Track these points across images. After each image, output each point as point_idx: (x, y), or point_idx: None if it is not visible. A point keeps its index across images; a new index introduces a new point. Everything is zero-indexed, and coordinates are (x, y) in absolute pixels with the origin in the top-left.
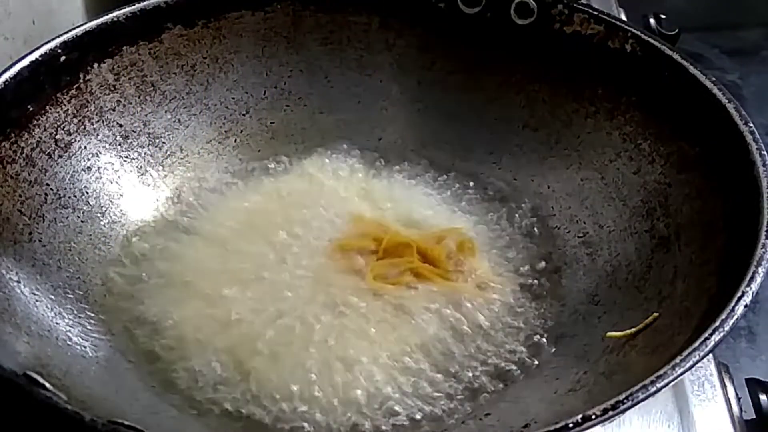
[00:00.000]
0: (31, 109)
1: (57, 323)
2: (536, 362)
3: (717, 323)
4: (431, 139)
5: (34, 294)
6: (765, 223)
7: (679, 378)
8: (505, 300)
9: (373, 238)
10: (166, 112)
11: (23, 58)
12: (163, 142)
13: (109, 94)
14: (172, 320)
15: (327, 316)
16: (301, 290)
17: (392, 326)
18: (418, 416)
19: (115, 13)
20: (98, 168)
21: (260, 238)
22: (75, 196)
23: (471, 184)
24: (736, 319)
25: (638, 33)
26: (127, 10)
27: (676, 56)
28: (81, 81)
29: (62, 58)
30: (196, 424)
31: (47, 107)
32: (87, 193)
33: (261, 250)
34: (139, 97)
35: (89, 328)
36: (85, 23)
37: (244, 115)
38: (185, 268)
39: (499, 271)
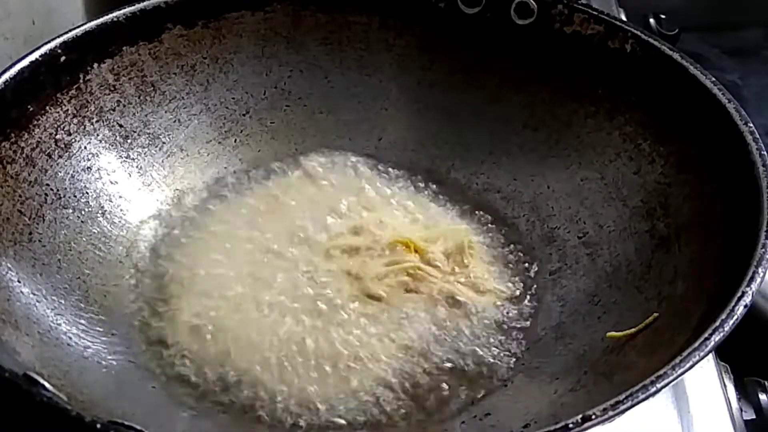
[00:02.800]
0: (31, 109)
1: (57, 323)
2: (536, 362)
3: (717, 323)
4: (431, 139)
5: (34, 294)
6: (765, 223)
7: (679, 378)
8: (504, 301)
9: (372, 237)
10: (166, 112)
11: (23, 58)
12: (163, 142)
13: (109, 94)
14: (173, 320)
15: (323, 316)
16: (298, 290)
17: (388, 327)
18: (415, 416)
19: (115, 13)
20: (98, 168)
21: (259, 238)
22: (75, 196)
23: (471, 183)
24: (736, 319)
25: (638, 33)
26: (127, 10)
27: (676, 56)
28: (81, 81)
29: (62, 58)
30: (197, 423)
31: (47, 107)
32: (87, 193)
33: (259, 250)
34: (139, 97)
35: (89, 328)
36: (85, 23)
37: (244, 115)
38: (184, 268)
39: (497, 273)
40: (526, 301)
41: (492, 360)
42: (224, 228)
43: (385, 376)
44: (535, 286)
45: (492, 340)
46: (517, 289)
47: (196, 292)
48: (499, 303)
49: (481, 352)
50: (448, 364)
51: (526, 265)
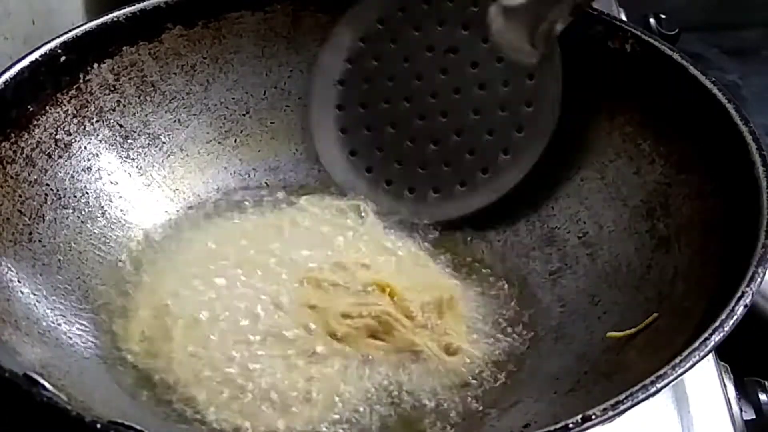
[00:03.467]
0: (31, 109)
1: (57, 323)
2: (536, 362)
3: (717, 323)
4: None
5: (34, 294)
6: (765, 223)
7: (679, 378)
8: (473, 366)
9: (351, 276)
10: (166, 112)
11: (23, 58)
12: (163, 142)
13: (109, 94)
14: (171, 321)
15: (273, 346)
16: (261, 316)
17: (339, 369)
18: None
19: (115, 13)
20: (98, 168)
21: (238, 256)
22: (75, 196)
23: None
24: (736, 319)
25: (638, 33)
26: (127, 10)
27: (676, 56)
28: (81, 81)
29: (62, 58)
30: (197, 424)
31: (47, 107)
32: (87, 193)
33: (234, 269)
34: (139, 97)
35: (89, 328)
36: (85, 23)
37: (244, 115)
38: (182, 269)
39: (478, 335)
40: (522, 303)
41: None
42: (219, 234)
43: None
44: (535, 286)
45: (453, 404)
46: (493, 355)
47: (190, 295)
48: (466, 369)
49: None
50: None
51: (515, 329)
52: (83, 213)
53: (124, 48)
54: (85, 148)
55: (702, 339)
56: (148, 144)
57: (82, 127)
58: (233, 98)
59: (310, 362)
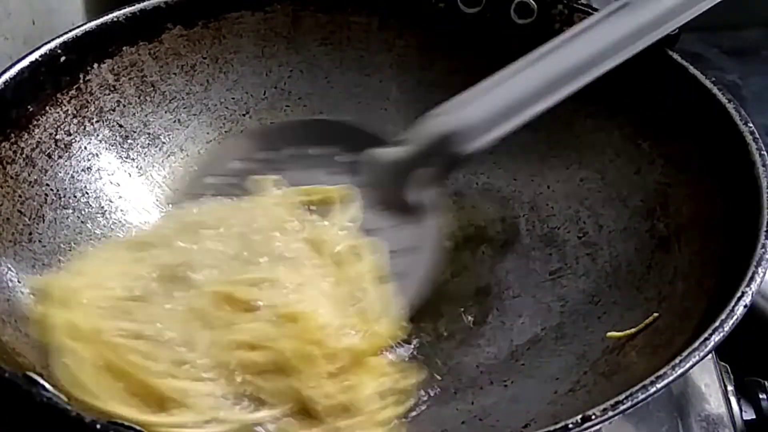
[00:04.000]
0: (31, 109)
1: None
2: (536, 362)
3: (717, 323)
4: None
5: (34, 294)
6: (765, 223)
7: (679, 378)
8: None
9: (279, 295)
10: (166, 112)
11: (23, 58)
12: (163, 143)
13: (109, 94)
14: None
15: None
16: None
17: (213, 397)
18: None
19: (115, 13)
20: (98, 168)
21: (182, 252)
22: (75, 197)
23: (471, 183)
24: (736, 319)
25: None
26: (127, 10)
27: (676, 56)
28: (81, 81)
29: (62, 58)
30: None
31: (47, 107)
32: (87, 193)
33: (165, 263)
34: (139, 97)
35: None
36: (85, 23)
37: (244, 115)
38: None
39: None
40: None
41: None
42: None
43: None
44: (536, 284)
45: None
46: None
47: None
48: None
49: None
50: None
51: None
52: (83, 213)
53: (124, 48)
54: (85, 148)
55: (702, 339)
56: (148, 144)
57: (82, 127)
58: (233, 98)
59: (192, 379)
